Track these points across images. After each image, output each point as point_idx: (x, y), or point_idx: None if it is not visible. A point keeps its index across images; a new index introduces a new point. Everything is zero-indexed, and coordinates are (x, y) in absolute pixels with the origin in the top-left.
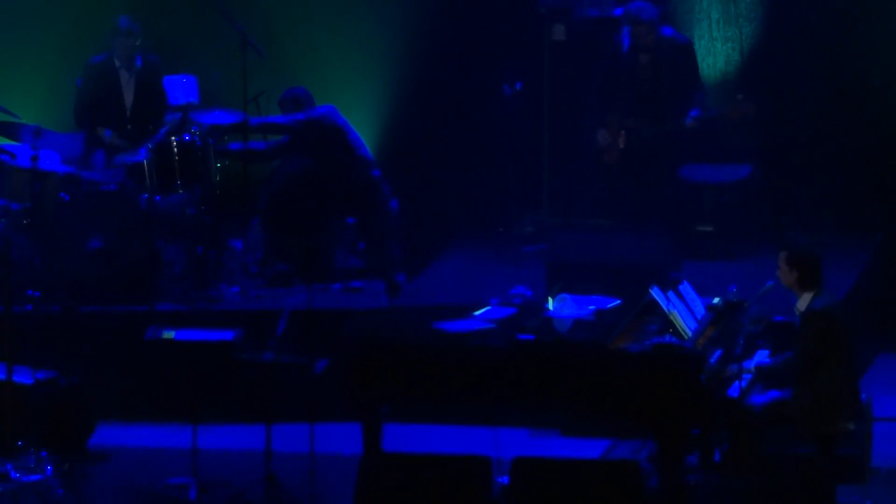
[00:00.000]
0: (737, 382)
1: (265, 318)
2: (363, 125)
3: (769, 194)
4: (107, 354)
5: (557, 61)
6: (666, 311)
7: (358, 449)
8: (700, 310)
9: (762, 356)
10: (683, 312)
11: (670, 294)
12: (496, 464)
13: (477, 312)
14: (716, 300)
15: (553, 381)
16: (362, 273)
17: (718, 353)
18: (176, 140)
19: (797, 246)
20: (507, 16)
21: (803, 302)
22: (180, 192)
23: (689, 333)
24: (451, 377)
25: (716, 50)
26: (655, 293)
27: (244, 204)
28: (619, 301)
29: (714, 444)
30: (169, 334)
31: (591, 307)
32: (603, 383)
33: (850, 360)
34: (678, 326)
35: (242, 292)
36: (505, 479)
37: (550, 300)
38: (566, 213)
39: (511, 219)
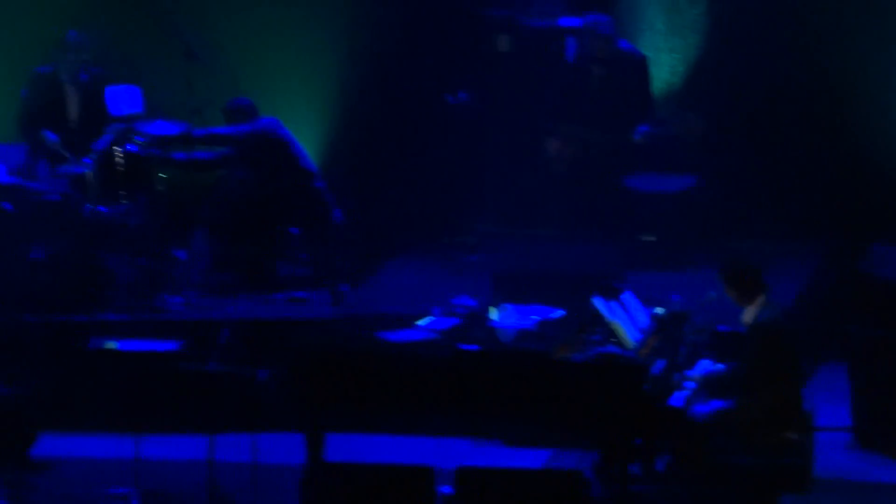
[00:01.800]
0: (680, 392)
1: (209, 328)
2: (307, 135)
3: (713, 204)
4: (49, 364)
5: (502, 71)
6: (609, 321)
7: (301, 459)
8: (643, 320)
9: (705, 366)
10: (626, 322)
11: (613, 304)
12: (439, 474)
13: (420, 322)
14: (659, 310)
15: (496, 391)
16: (306, 283)
17: (662, 362)
18: (120, 150)
19: (733, 264)
20: (451, 25)
21: (749, 314)
22: (124, 202)
23: (633, 343)
24: (394, 387)
25: (660, 61)
26: (599, 303)
27: (188, 214)
28: (562, 311)
29: (657, 453)
30: (112, 344)
31: (534, 317)
32: (546, 393)
33: (795, 371)
34: (621, 336)
35: (186, 302)
36: (448, 489)
37: (494, 310)
38: (510, 223)
39: (455, 228)
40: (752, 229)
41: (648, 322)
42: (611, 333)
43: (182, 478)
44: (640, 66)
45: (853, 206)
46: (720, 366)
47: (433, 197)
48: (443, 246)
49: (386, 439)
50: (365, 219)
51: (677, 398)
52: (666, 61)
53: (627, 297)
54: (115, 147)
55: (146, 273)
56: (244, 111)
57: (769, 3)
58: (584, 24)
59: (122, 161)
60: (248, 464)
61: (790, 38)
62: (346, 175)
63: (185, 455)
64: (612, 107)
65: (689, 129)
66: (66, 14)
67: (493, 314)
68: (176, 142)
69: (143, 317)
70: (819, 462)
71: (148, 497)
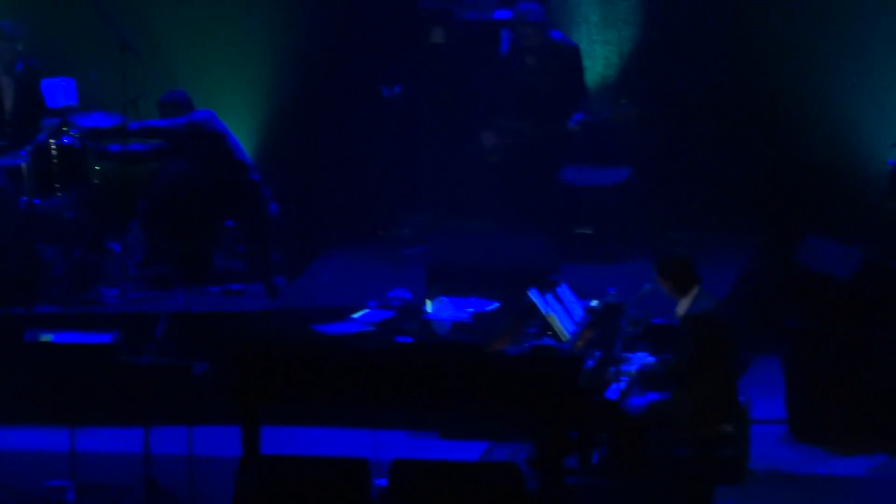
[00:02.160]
0: (615, 384)
1: (144, 321)
2: (243, 128)
3: (648, 197)
4: None
5: (436, 63)
6: (544, 313)
7: (237, 451)
8: (578, 312)
9: (641, 358)
10: (562, 315)
11: (549, 296)
12: (375, 466)
13: (355, 315)
14: (594, 303)
15: (432, 383)
16: (241, 276)
17: (597, 355)
18: (55, 143)
19: (665, 257)
20: (386, 18)
21: (683, 306)
22: (59, 194)
23: (568, 336)
24: (329, 379)
25: (595, 53)
26: (534, 296)
27: (123, 206)
28: (497, 304)
29: (593, 445)
30: (47, 337)
31: (469, 310)
32: (481, 386)
33: (729, 363)
34: (557, 329)
35: (121, 295)
36: (384, 482)
37: (429, 303)
38: (445, 216)
39: (390, 221)
40: (686, 222)
41: (584, 315)
42: (546, 326)
43: (118, 470)
44: (572, 55)
45: (787, 199)
46: (655, 358)
47: (369, 190)
48: (378, 238)
49: (322, 431)
50: (300, 212)
51: (613, 391)
52: (601, 53)
53: (563, 289)
54: (50, 139)
55: (81, 265)
56: (179, 104)
57: None
58: (515, 13)
59: (57, 153)
60: (184, 456)
61: (723, 30)
62: (281, 168)
63: (121, 448)
64: (545, 98)
65: (624, 117)
66: (1, 5)
67: (429, 307)
68: (111, 134)
69: (79, 309)
70: (754, 454)
71: (84, 490)
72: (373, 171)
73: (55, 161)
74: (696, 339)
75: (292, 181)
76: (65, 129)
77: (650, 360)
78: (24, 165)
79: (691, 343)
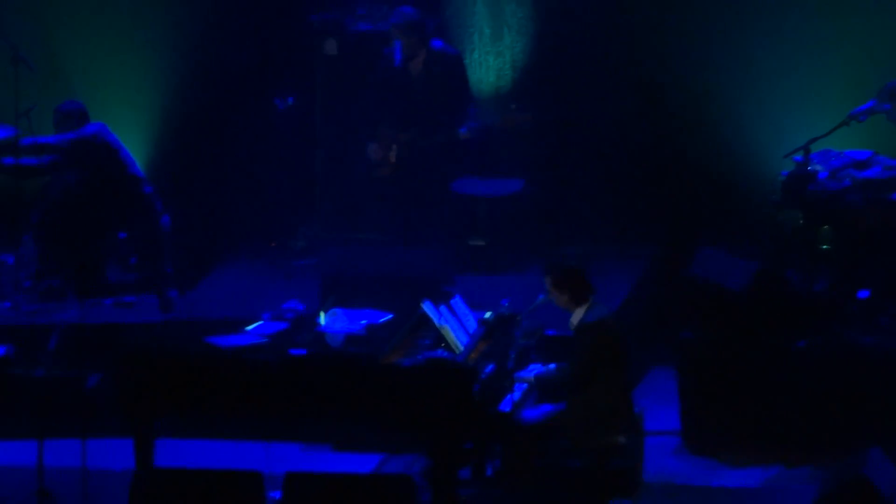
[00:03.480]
0: (509, 396)
1: (38, 333)
2: (136, 140)
3: (542, 208)
4: None
5: (329, 75)
6: (438, 325)
7: (131, 464)
8: (472, 324)
9: (535, 370)
10: (455, 326)
11: (442, 308)
12: (268, 479)
13: (249, 327)
14: (488, 314)
15: (325, 395)
16: (135, 288)
17: (491, 366)
18: None
19: (559, 267)
20: (279, 30)
21: (576, 316)
22: None
23: (462, 347)
24: (222, 392)
25: (488, 64)
26: (427, 307)
27: (16, 219)
28: (391, 315)
29: (487, 457)
30: None
31: (363, 321)
32: (375, 398)
33: (623, 373)
34: (450, 340)
35: (14, 307)
36: (277, 494)
37: (323, 315)
38: (339, 227)
39: (284, 233)
40: (579, 233)
41: (477, 326)
42: (440, 338)
43: (11, 483)
44: (455, 62)
45: (681, 210)
46: (550, 368)
47: (262, 201)
48: (272, 250)
49: (216, 444)
50: (194, 224)
51: (506, 402)
52: (494, 65)
53: (456, 301)
54: None
55: None
56: (73, 116)
57: (594, 6)
58: (392, 22)
59: None
60: (78, 469)
61: (617, 41)
62: (175, 179)
63: (15, 461)
64: (430, 107)
65: (513, 121)
66: None
67: (322, 318)
68: (4, 147)
69: None
70: (648, 466)
71: None
72: (267, 182)
73: None
74: (590, 349)
75: (186, 193)
76: None
77: (544, 370)
78: None
79: (585, 353)
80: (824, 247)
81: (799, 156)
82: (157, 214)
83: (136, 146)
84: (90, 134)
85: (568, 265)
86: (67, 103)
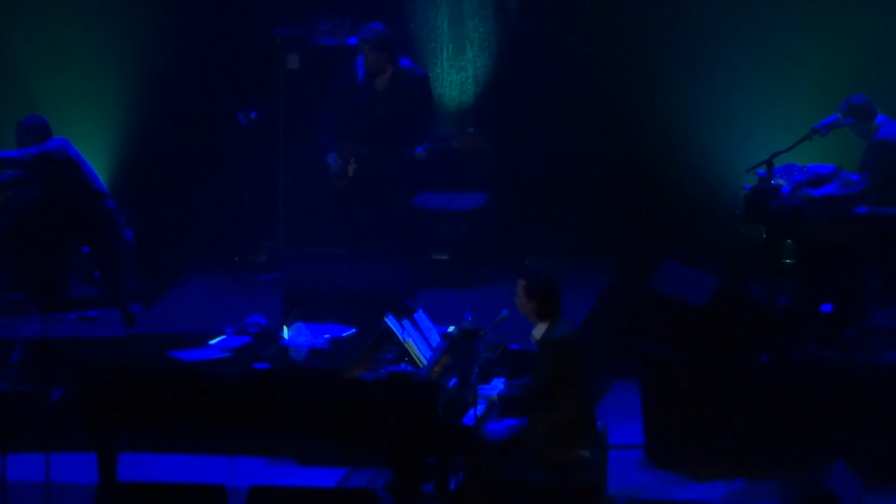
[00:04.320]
0: (472, 410)
1: (0, 348)
2: (99, 155)
3: (505, 222)
4: None
5: (292, 90)
6: (401, 339)
7: (94, 478)
8: (435, 338)
9: (498, 384)
10: (419, 341)
11: (405, 322)
12: (233, 493)
13: (212, 341)
14: (451, 328)
15: (289, 409)
16: (98, 302)
17: (454, 381)
18: None
19: (536, 276)
20: (242, 44)
21: (539, 330)
22: None
23: (425, 362)
24: (186, 406)
25: (450, 79)
26: (391, 321)
27: None
28: (354, 329)
29: (450, 471)
30: None
31: (326, 336)
32: (338, 412)
33: (586, 388)
34: (413, 355)
35: None
36: None
37: (286, 329)
38: (302, 242)
39: (247, 247)
40: (543, 247)
41: (441, 341)
42: (403, 352)
43: None
44: (421, 83)
45: (644, 224)
46: (513, 383)
47: (225, 216)
48: (235, 265)
49: (179, 458)
50: (156, 238)
51: (470, 417)
52: (456, 80)
53: (420, 315)
54: None
55: None
56: (35, 130)
57: (557, 22)
58: (362, 37)
59: None
60: (41, 483)
61: (579, 57)
62: (138, 194)
63: None
64: (394, 123)
65: (470, 146)
66: None
67: (286, 333)
68: None
69: None
70: (611, 480)
71: None
72: (229, 196)
73: None
74: (553, 365)
75: (149, 207)
76: None
77: (507, 385)
78: None
79: (548, 367)
80: (787, 261)
81: (762, 170)
82: (119, 229)
83: (98, 161)
84: (53, 149)
85: (546, 277)
86: (30, 118)
